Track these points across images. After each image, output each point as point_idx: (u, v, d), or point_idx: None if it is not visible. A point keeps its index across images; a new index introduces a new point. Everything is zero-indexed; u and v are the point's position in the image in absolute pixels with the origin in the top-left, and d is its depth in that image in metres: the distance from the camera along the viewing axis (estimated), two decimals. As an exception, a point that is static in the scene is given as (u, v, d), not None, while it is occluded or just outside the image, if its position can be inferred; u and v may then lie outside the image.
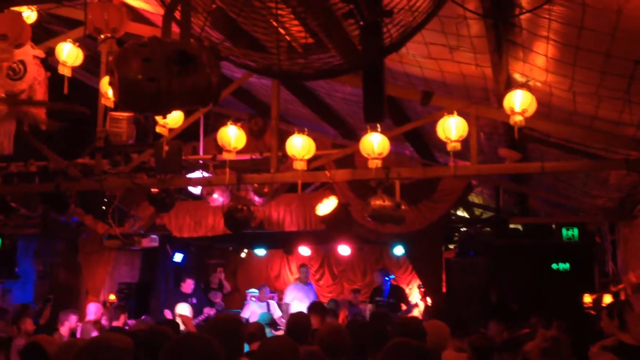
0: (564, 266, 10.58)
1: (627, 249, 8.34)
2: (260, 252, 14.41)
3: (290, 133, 6.53)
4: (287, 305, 11.44)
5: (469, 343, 5.19)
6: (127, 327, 8.42)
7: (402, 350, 2.66)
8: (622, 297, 8.19)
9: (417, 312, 11.66)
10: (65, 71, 6.32)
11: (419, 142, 8.75)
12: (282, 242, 13.43)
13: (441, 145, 6.42)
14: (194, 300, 10.29)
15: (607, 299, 8.45)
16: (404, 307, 11.25)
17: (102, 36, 5.35)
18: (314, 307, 7.29)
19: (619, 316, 5.19)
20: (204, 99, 2.58)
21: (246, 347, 5.13)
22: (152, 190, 7.53)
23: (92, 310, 8.84)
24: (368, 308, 11.04)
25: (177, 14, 2.66)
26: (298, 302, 11.23)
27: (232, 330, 3.76)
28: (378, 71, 2.87)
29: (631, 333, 5.14)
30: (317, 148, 8.21)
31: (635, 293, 7.48)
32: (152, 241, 8.15)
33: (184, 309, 9.72)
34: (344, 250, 13.49)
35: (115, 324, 8.47)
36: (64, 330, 7.90)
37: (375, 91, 2.88)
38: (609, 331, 5.27)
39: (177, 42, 2.52)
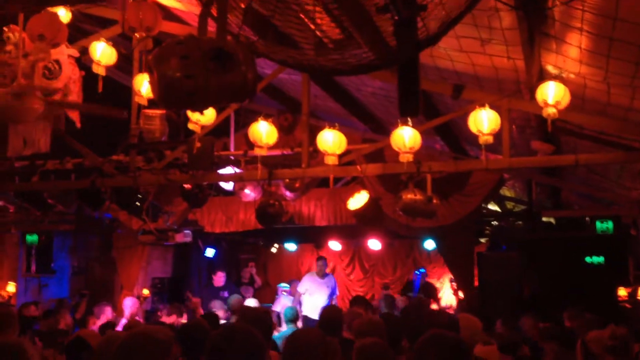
0: (598, 259, 10.45)
1: (662, 242, 8.22)
2: (291, 246, 14.49)
3: (320, 128, 6.55)
4: (299, 294, 11.43)
5: (498, 338, 5.21)
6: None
7: (438, 341, 2.68)
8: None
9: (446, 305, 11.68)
10: (99, 70, 6.42)
11: (450, 135, 8.71)
12: (313, 237, 13.51)
13: (472, 138, 6.40)
14: (226, 294, 10.39)
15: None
16: (433, 303, 11.22)
17: (137, 35, 5.43)
18: (358, 300, 7.32)
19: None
20: (240, 95, 2.62)
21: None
22: (185, 186, 7.63)
23: (129, 304, 8.99)
24: (401, 300, 11.05)
25: (213, 11, 2.70)
26: (309, 294, 11.20)
27: (262, 322, 3.81)
28: (413, 66, 2.88)
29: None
30: (347, 143, 8.25)
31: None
32: (185, 236, 8.25)
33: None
34: (374, 244, 13.50)
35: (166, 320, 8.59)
36: (101, 323, 8.04)
37: (411, 86, 2.89)
38: None
39: (213, 40, 2.56)
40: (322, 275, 11.63)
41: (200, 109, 3.78)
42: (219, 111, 6.92)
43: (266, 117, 6.66)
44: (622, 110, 5.58)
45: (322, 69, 3.01)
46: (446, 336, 2.72)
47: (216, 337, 3.01)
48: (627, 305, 8.97)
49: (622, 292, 9.35)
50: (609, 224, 9.58)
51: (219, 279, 10.82)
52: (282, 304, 11.15)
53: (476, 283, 10.12)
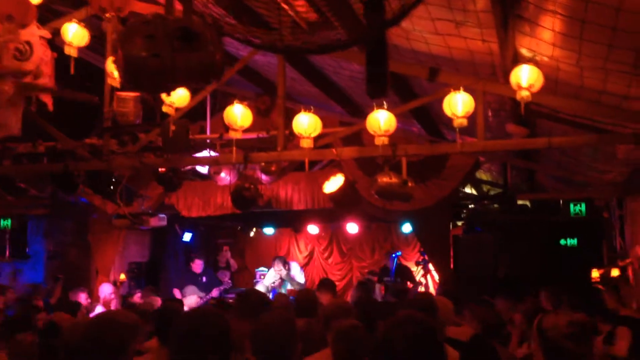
0: (572, 242, 10.60)
1: (634, 224, 8.32)
2: (269, 230, 14.49)
3: (297, 111, 6.53)
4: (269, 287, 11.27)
5: (479, 318, 5.26)
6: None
7: (405, 322, 2.68)
8: (630, 271, 8.20)
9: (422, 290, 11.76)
10: (71, 52, 6.32)
11: (427, 119, 8.73)
12: (291, 221, 13.50)
13: (449, 122, 6.41)
14: (204, 280, 10.39)
15: (615, 273, 8.46)
16: (410, 285, 11.30)
17: (108, 15, 5.35)
18: (325, 284, 7.30)
19: (617, 291, 5.29)
20: (208, 76, 2.59)
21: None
22: (160, 169, 7.57)
23: (105, 290, 8.93)
24: (378, 287, 11.09)
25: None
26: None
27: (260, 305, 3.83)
28: (381, 46, 2.86)
29: (630, 306, 5.25)
30: (324, 126, 8.19)
31: (643, 267, 7.49)
32: (160, 220, 8.19)
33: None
34: (352, 228, 13.54)
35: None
36: (76, 309, 7.99)
37: (379, 67, 2.87)
38: (611, 305, 5.36)
39: (180, 19, 2.52)
40: (281, 279, 11.35)
41: (168, 90, 3.72)
42: (194, 94, 6.86)
43: (242, 100, 6.62)
44: (595, 93, 5.61)
45: (289, 48, 2.99)
46: (414, 317, 2.72)
47: (185, 320, 3.02)
48: (600, 286, 9.09)
49: (595, 273, 9.48)
50: (582, 207, 9.70)
51: (197, 265, 10.80)
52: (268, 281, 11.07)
53: (452, 265, 10.20)
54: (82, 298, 8.10)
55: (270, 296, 9.93)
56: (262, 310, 5.03)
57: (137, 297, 8.73)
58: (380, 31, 2.67)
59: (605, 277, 8.93)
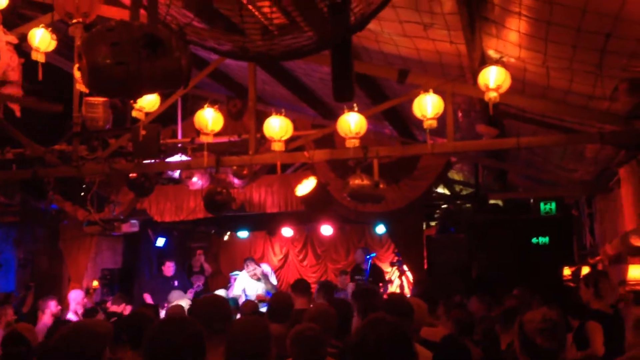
0: (544, 240, 10.75)
1: (603, 221, 8.46)
2: (243, 234, 14.43)
3: (269, 114, 6.52)
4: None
5: (453, 318, 5.30)
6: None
7: (376, 325, 2.70)
8: (600, 268, 8.33)
9: (394, 289, 11.81)
10: (38, 57, 6.23)
11: (398, 121, 8.78)
12: (265, 224, 13.46)
13: (419, 123, 6.46)
14: (176, 283, 10.30)
15: (586, 271, 8.58)
16: (382, 287, 11.35)
17: (74, 21, 5.29)
18: (299, 287, 7.23)
19: (595, 285, 5.34)
20: (174, 82, 2.58)
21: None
22: (131, 175, 7.50)
23: (74, 297, 8.83)
24: (350, 287, 11.11)
25: (144, -2, 2.65)
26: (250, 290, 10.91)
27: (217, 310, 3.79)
28: (346, 49, 2.87)
29: (605, 301, 5.33)
30: (297, 129, 8.21)
31: (612, 265, 7.60)
32: (132, 226, 8.13)
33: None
34: (326, 230, 13.55)
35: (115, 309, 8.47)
36: (46, 317, 7.90)
37: (344, 70, 2.88)
38: (587, 299, 5.44)
39: (145, 26, 2.51)
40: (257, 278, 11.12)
41: (134, 97, 3.70)
42: (164, 98, 6.81)
43: (213, 103, 6.58)
44: (561, 93, 5.70)
45: (254, 55, 2.99)
46: (385, 320, 2.74)
47: (156, 327, 3.00)
48: (571, 284, 9.22)
49: (567, 271, 9.61)
50: (552, 206, 9.83)
51: (168, 268, 10.71)
52: (242, 285, 10.93)
53: (425, 265, 10.27)
54: (52, 306, 7.99)
55: (244, 298, 9.91)
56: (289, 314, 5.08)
57: (109, 304, 8.65)
58: (345, 34, 2.69)
59: (577, 274, 9.05)
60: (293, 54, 2.89)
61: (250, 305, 7.67)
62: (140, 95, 3.23)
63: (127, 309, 8.39)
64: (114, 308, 8.51)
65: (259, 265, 11.00)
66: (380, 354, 2.63)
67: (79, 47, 2.48)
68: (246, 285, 10.57)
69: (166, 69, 2.47)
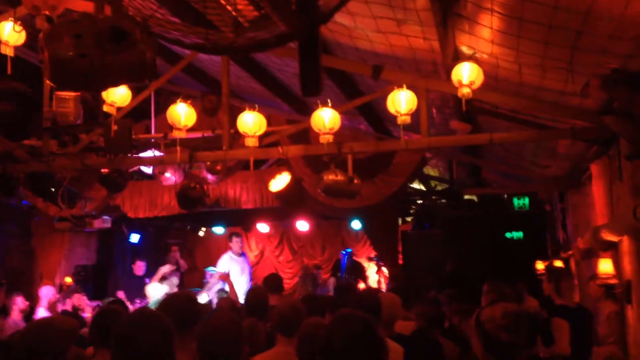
0: (518, 235, 10.84)
1: (575, 216, 8.54)
2: (219, 230, 14.36)
3: (244, 110, 6.49)
4: (225, 275, 11.23)
5: (418, 312, 5.32)
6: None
7: (346, 321, 2.69)
8: (572, 263, 8.41)
9: (372, 284, 11.84)
10: (7, 51, 6.11)
11: (373, 116, 8.78)
12: (240, 220, 13.42)
13: (394, 119, 6.46)
14: (147, 282, 10.22)
15: (558, 265, 8.67)
16: (361, 282, 11.36)
17: (41, 14, 5.18)
18: (270, 284, 7.21)
19: (556, 282, 5.42)
20: (139, 76, 2.54)
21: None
22: (103, 170, 7.41)
23: (45, 293, 8.72)
24: (331, 282, 11.12)
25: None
26: (233, 275, 11.05)
27: (184, 306, 3.75)
28: (313, 44, 2.84)
29: (565, 298, 5.40)
30: (272, 124, 8.19)
31: (583, 259, 7.68)
32: (104, 222, 8.04)
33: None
34: (302, 225, 13.53)
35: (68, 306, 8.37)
36: (15, 314, 7.80)
37: (312, 65, 2.86)
38: (548, 294, 5.53)
39: (108, 18, 2.46)
40: (239, 253, 11.39)
41: (99, 90, 3.65)
42: (136, 93, 6.74)
43: (186, 98, 6.53)
44: (534, 90, 5.73)
45: (215, 48, 2.95)
46: (354, 316, 2.73)
47: (124, 324, 2.97)
48: (544, 278, 9.30)
49: (540, 265, 9.70)
50: (525, 201, 9.92)
51: (139, 268, 10.64)
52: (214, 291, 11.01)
53: (401, 261, 10.30)
54: (19, 302, 7.89)
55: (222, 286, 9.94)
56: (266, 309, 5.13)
57: (75, 298, 8.54)
58: (312, 26, 2.65)
59: (549, 268, 9.13)
60: (257, 47, 2.86)
61: (228, 301, 7.66)
62: (105, 89, 3.18)
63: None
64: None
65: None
66: (348, 351, 2.62)
67: (41, 39, 2.43)
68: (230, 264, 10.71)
69: (131, 62, 2.43)
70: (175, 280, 10.24)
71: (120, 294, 10.13)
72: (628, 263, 5.34)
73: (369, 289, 10.02)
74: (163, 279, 10.05)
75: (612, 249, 6.02)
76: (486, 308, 2.95)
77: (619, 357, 4.72)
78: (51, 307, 8.60)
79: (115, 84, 2.60)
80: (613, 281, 6.01)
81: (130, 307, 8.05)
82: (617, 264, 5.92)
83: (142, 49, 2.44)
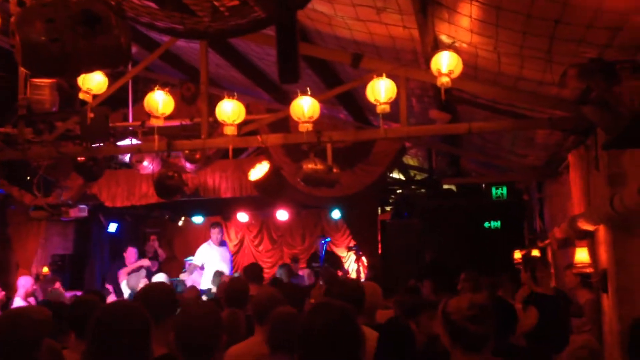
0: (496, 224, 10.89)
1: (553, 206, 8.62)
2: (198, 219, 14.30)
3: (223, 98, 6.43)
4: (195, 267, 11.33)
5: (396, 300, 5.34)
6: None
7: (323, 310, 2.68)
8: (549, 252, 8.49)
9: (351, 273, 11.89)
10: (-20, 36, 6.02)
11: (353, 105, 8.76)
12: (220, 209, 13.37)
13: (374, 108, 6.45)
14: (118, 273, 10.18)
15: (535, 254, 8.75)
16: (340, 273, 11.40)
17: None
18: (249, 275, 7.18)
19: (532, 271, 5.47)
20: (113, 61, 2.49)
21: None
22: (79, 159, 7.31)
23: (22, 283, 8.62)
24: (306, 274, 11.13)
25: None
26: (212, 264, 11.13)
27: (161, 297, 3.72)
28: (291, 31, 2.81)
29: (542, 286, 5.45)
30: (252, 113, 8.13)
31: (560, 248, 7.76)
32: (80, 211, 7.93)
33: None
34: (282, 215, 13.51)
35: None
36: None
37: (289, 52, 2.83)
38: (525, 282, 5.59)
39: (82, 2, 2.41)
40: (219, 243, 11.47)
41: (72, 76, 3.58)
42: (112, 80, 6.65)
43: (163, 86, 6.45)
44: (512, 79, 5.75)
45: (191, 33, 2.90)
46: (332, 305, 2.73)
47: (100, 314, 2.93)
48: (521, 267, 9.38)
49: (517, 254, 9.77)
50: (504, 190, 9.98)
51: (131, 255, 10.55)
52: (192, 279, 11.02)
53: (380, 250, 10.33)
54: (-7, 291, 7.82)
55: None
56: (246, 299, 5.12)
57: (57, 286, 8.47)
58: (289, 12, 2.62)
59: (527, 258, 9.22)
60: (232, 32, 2.82)
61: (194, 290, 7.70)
62: (79, 74, 3.12)
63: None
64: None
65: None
66: (326, 339, 2.62)
67: (12, 23, 2.37)
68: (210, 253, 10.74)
69: (105, 47, 2.39)
70: (143, 272, 10.20)
71: (110, 288, 10.09)
72: (604, 252, 5.40)
73: (350, 278, 10.06)
74: (132, 271, 10.02)
75: (588, 238, 6.08)
76: (452, 299, 2.95)
77: (593, 346, 4.77)
78: (28, 296, 8.51)
79: (90, 69, 2.56)
80: (589, 270, 6.07)
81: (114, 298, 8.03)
82: (593, 253, 5.98)
83: (116, 33, 2.39)
